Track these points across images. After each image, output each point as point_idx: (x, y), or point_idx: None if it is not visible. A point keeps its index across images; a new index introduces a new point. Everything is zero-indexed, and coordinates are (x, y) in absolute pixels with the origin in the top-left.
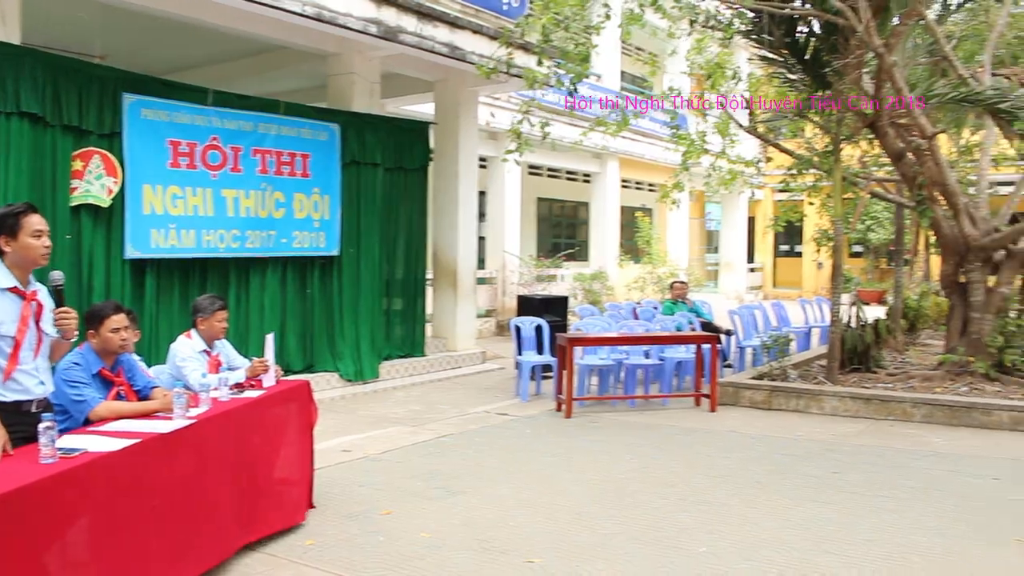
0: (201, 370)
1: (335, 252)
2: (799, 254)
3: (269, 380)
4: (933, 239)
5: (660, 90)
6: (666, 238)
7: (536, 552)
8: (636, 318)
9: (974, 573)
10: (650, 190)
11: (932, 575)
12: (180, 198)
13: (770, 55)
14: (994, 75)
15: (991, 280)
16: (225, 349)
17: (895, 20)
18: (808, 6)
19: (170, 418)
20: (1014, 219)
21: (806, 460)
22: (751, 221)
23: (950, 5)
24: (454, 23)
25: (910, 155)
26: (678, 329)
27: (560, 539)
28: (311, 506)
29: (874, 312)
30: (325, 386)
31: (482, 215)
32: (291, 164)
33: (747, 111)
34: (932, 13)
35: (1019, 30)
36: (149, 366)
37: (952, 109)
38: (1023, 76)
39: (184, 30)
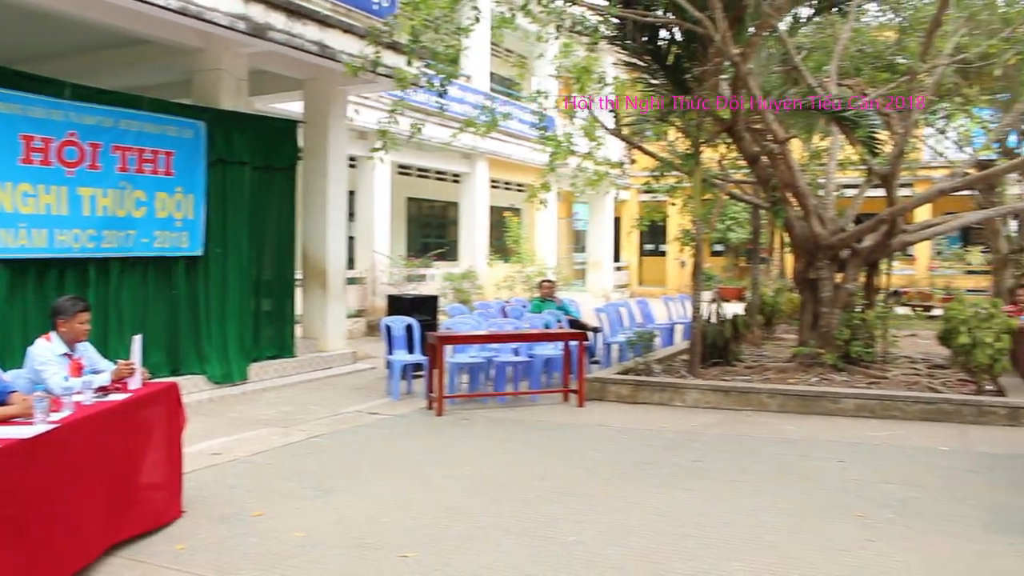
0: (62, 374)
1: (199, 252)
2: (663, 253)
3: (135, 383)
4: (787, 238)
5: (529, 92)
6: (535, 238)
7: (410, 547)
8: (505, 316)
9: (819, 546)
10: (519, 190)
11: (783, 551)
12: (32, 196)
13: (634, 60)
14: (839, 85)
15: (839, 277)
16: (88, 352)
17: (750, 31)
18: (669, 15)
19: (31, 423)
20: (858, 220)
21: (670, 450)
22: (617, 221)
23: (800, 19)
24: (324, 21)
25: (764, 159)
26: (546, 327)
27: (433, 533)
28: (181, 510)
29: (734, 308)
30: (192, 389)
31: (352, 215)
32: (153, 162)
33: (612, 114)
34: (784, 25)
35: (861, 44)
36: (4, 370)
37: (803, 116)
38: (864, 87)
39: (39, 18)
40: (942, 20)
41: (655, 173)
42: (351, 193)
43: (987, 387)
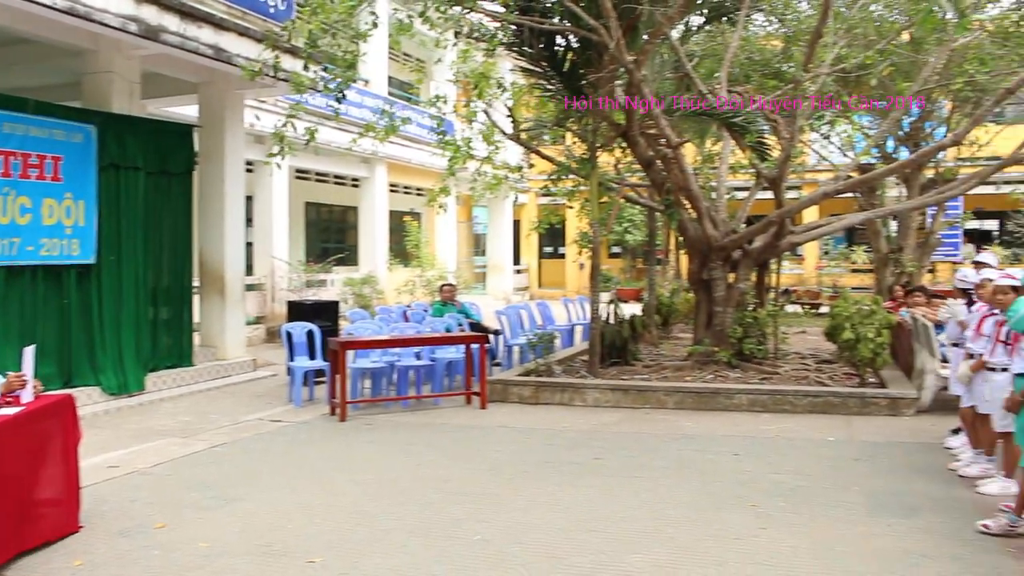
0: None
1: (92, 260)
2: (562, 255)
3: (27, 396)
4: (681, 240)
5: (427, 97)
6: (435, 242)
7: (316, 552)
8: (407, 320)
9: (715, 536)
10: (418, 194)
11: (682, 542)
12: None
13: (531, 67)
14: (729, 92)
15: (731, 277)
16: None
17: (644, 38)
18: (565, 23)
19: None
20: (749, 221)
21: (571, 449)
22: (516, 224)
23: (692, 27)
24: (219, 24)
25: (659, 163)
26: (448, 330)
27: (339, 538)
28: (79, 525)
29: (632, 309)
30: (87, 401)
31: (249, 220)
32: (40, 167)
33: (510, 119)
34: (676, 33)
35: (749, 52)
36: None
37: (695, 121)
38: (753, 94)
39: None
40: (823, 32)
41: (553, 177)
42: (249, 198)
43: (870, 380)
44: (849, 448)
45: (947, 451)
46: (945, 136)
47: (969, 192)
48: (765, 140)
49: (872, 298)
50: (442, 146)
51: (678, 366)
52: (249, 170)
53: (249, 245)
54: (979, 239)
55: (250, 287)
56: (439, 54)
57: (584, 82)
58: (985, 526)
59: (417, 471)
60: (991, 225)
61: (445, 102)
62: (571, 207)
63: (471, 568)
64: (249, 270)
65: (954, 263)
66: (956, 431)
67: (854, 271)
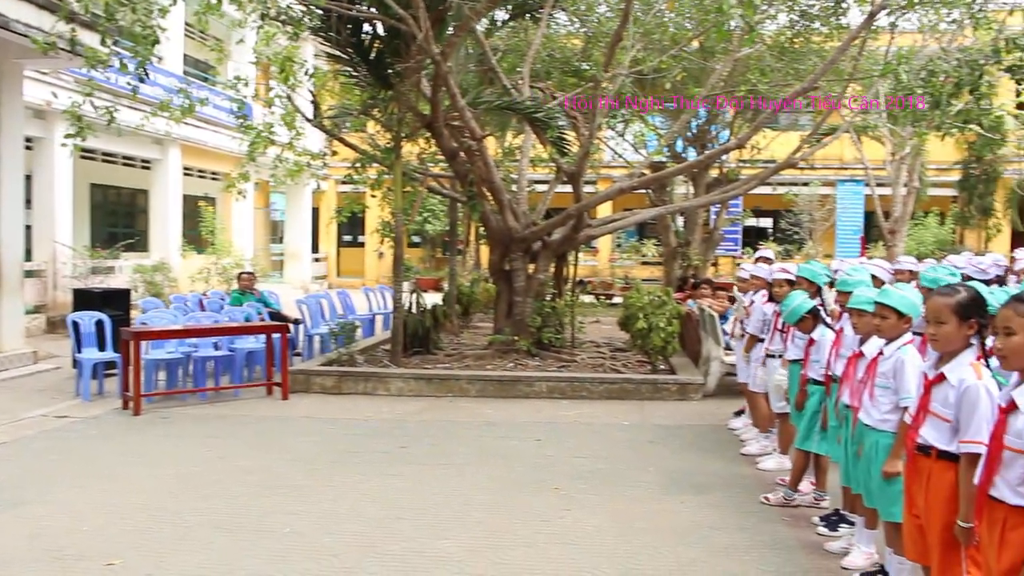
0: None
1: None
2: (362, 244)
3: None
4: (482, 231)
5: (226, 78)
6: (231, 228)
7: (116, 553)
8: (203, 310)
9: (523, 519)
10: (214, 178)
11: (491, 525)
12: None
13: (337, 53)
14: (532, 87)
15: (531, 268)
16: None
17: (450, 31)
18: (373, 10)
19: None
20: (548, 214)
21: (376, 438)
22: (315, 211)
23: (496, 22)
24: None
25: (463, 154)
26: (247, 320)
27: (140, 537)
28: None
29: (432, 299)
30: None
31: (28, 201)
32: None
33: (313, 105)
34: (481, 27)
35: (551, 49)
36: None
37: (497, 114)
38: (554, 90)
39: None
40: (623, 35)
41: (356, 165)
42: (27, 178)
43: (661, 367)
44: (643, 431)
45: (731, 432)
46: (729, 139)
47: (749, 192)
48: (565, 136)
49: (663, 289)
50: (242, 130)
51: (479, 355)
52: (28, 147)
53: (28, 228)
54: (756, 236)
55: (29, 274)
56: (241, 34)
57: (391, 71)
58: (766, 498)
59: (219, 464)
60: (766, 223)
61: (247, 84)
62: (374, 196)
63: (283, 561)
64: (28, 255)
65: (734, 258)
66: (739, 413)
67: (644, 263)
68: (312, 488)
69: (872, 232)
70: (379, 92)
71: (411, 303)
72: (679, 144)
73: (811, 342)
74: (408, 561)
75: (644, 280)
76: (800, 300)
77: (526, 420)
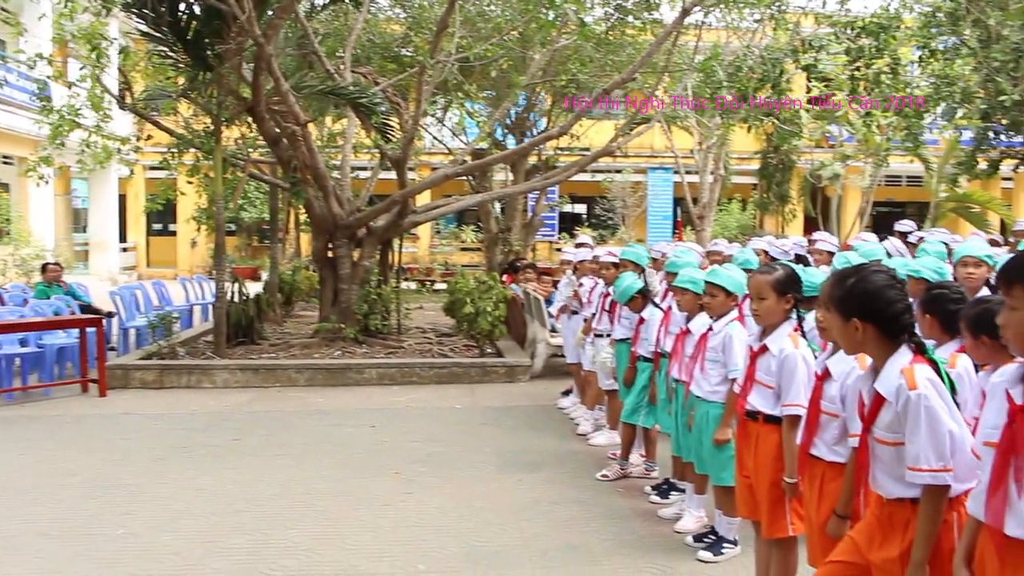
0: None
1: None
2: (173, 233)
3: None
4: (303, 218)
5: (19, 53)
6: (28, 216)
7: None
8: (3, 304)
9: (366, 504)
10: (6, 163)
11: (335, 512)
12: None
13: (151, 32)
14: (353, 72)
15: (356, 254)
16: None
17: (271, 13)
18: None
19: None
20: (372, 201)
21: (206, 432)
22: (122, 199)
23: (316, 4)
24: None
25: (285, 140)
26: (56, 313)
27: None
28: None
29: (250, 288)
30: None
31: None
32: None
33: (123, 86)
34: (301, 9)
35: (371, 34)
36: None
37: (317, 100)
38: (376, 75)
39: None
40: (448, 22)
41: (172, 150)
42: None
43: (488, 350)
44: (475, 414)
45: (560, 411)
46: (547, 127)
47: (569, 179)
48: (389, 122)
49: (489, 274)
50: (44, 112)
51: (305, 343)
52: None
53: None
54: (571, 222)
55: None
56: (40, 8)
57: (210, 53)
58: (604, 475)
59: (39, 467)
60: (581, 209)
61: (50, 63)
62: (190, 182)
63: (119, 563)
64: None
65: (552, 243)
66: (566, 393)
67: (464, 250)
68: (143, 487)
69: (682, 218)
70: (198, 74)
71: (234, 292)
72: (498, 132)
73: (640, 321)
74: (255, 553)
75: (464, 266)
76: (630, 280)
77: (358, 407)
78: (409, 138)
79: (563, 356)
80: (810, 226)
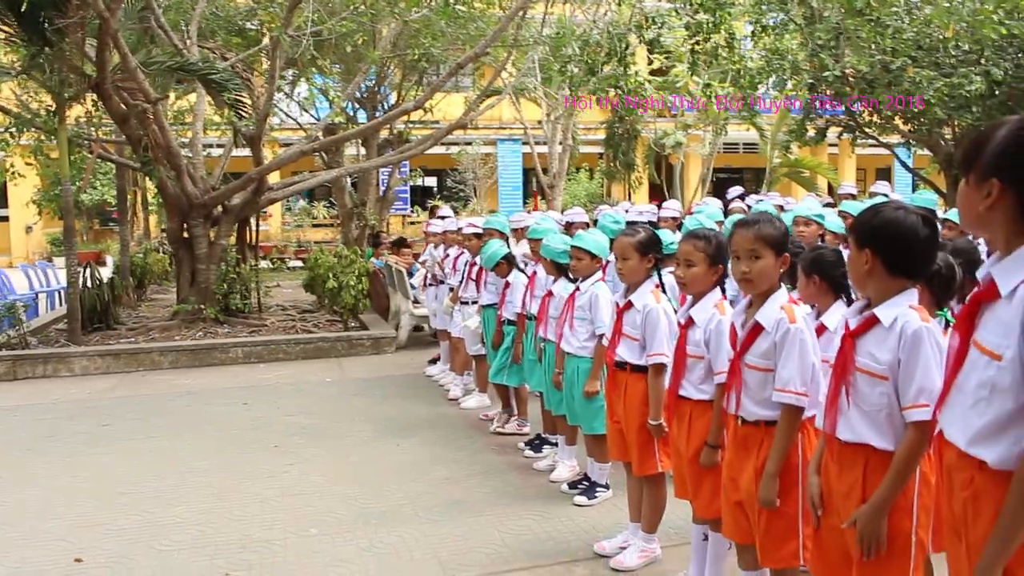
0: None
1: None
2: (5, 218)
3: None
4: (154, 198)
5: None
6: None
7: None
8: None
9: (251, 478)
10: None
11: (220, 487)
12: None
13: None
14: (200, 47)
15: (213, 234)
16: None
17: None
18: None
19: None
20: (227, 179)
21: (73, 420)
22: None
23: None
24: None
25: (134, 118)
26: None
27: None
28: None
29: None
30: None
31: None
32: None
33: None
34: None
35: (216, 8)
36: None
37: (163, 76)
38: (224, 51)
39: None
40: None
41: (8, 129)
42: None
43: (352, 324)
44: (346, 386)
45: (429, 378)
46: (398, 101)
47: (424, 152)
48: (242, 98)
49: (352, 249)
50: None
51: (165, 326)
52: None
53: None
54: (422, 195)
55: None
56: None
57: (50, 27)
58: (499, 429)
59: None
60: (431, 182)
61: None
62: (30, 164)
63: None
64: None
65: (405, 216)
66: (433, 361)
67: (316, 226)
68: (12, 479)
69: (536, 188)
70: (38, 50)
71: (85, 277)
72: (349, 106)
73: (506, 285)
74: (144, 532)
75: (317, 243)
76: (496, 247)
77: (227, 386)
78: (264, 114)
79: (425, 328)
80: (655, 193)
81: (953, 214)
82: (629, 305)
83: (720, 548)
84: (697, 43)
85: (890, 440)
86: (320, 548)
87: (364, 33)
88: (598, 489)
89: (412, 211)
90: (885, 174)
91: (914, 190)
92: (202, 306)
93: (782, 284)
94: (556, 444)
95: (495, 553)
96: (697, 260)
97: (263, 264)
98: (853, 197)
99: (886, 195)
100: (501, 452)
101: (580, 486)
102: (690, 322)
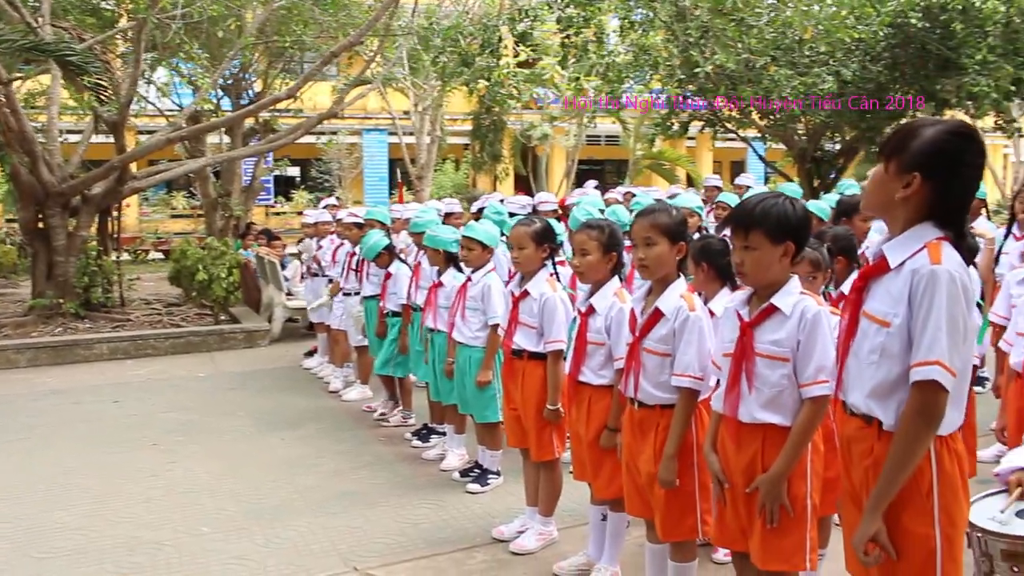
0: None
1: None
2: None
3: None
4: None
5: None
6: None
7: None
8: None
9: (132, 477)
10: None
11: (100, 489)
12: None
13: None
14: (54, 26)
15: (72, 224)
16: None
17: None
18: None
19: None
20: (87, 167)
21: None
22: None
23: None
24: None
25: None
26: None
27: None
28: None
29: None
30: None
31: None
32: None
33: None
34: None
35: None
36: None
37: (12, 56)
38: (80, 31)
39: None
40: None
41: None
42: None
43: (223, 318)
44: (221, 380)
45: (307, 371)
46: (265, 90)
47: (294, 142)
48: (102, 82)
49: (221, 240)
50: None
51: (19, 322)
52: None
53: None
54: (286, 185)
55: None
56: None
57: None
58: (383, 418)
59: None
60: (294, 172)
61: None
62: None
63: None
64: None
65: (268, 207)
66: (309, 353)
67: (175, 217)
68: None
69: (399, 179)
70: None
71: None
72: (212, 94)
73: (388, 276)
74: (23, 539)
75: (177, 234)
76: (377, 237)
77: (95, 384)
78: (128, 99)
79: (299, 320)
80: (521, 184)
81: (813, 205)
82: (525, 294)
83: (619, 526)
84: (568, 37)
85: (787, 417)
86: (214, 547)
87: (235, 19)
88: (490, 476)
89: (276, 202)
90: (740, 166)
91: (766, 181)
92: (61, 300)
93: (681, 274)
94: (444, 434)
95: (394, 543)
96: (591, 249)
97: (123, 256)
98: (719, 189)
99: (750, 187)
100: (389, 443)
101: (472, 474)
102: (591, 310)
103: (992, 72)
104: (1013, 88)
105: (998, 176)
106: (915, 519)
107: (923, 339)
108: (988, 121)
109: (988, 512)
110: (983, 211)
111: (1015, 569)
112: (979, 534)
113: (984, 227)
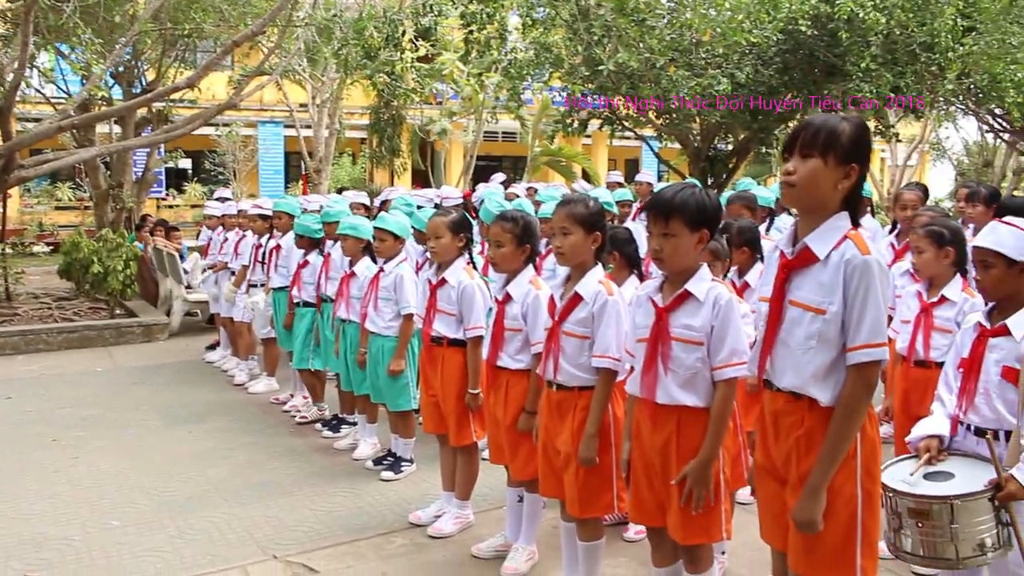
0: None
1: None
2: None
3: None
4: None
5: None
6: None
7: None
8: None
9: (35, 474)
10: None
11: (2, 489)
12: None
13: None
14: None
15: None
16: None
17: None
18: None
19: None
20: None
21: None
22: None
23: None
24: None
25: None
26: None
27: None
28: None
29: None
30: None
31: None
32: None
33: None
34: None
35: None
36: None
37: None
38: None
39: None
40: None
41: None
42: None
43: (119, 311)
44: (121, 375)
45: (210, 364)
46: (159, 79)
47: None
48: None
49: (119, 232)
50: None
51: None
52: None
53: None
54: (177, 177)
55: None
56: None
57: None
58: (303, 417)
59: None
60: (186, 164)
61: None
62: None
63: None
64: None
65: (160, 199)
66: (212, 347)
67: (59, 208)
68: None
69: (296, 172)
70: None
71: None
72: (104, 82)
73: (304, 264)
74: None
75: (63, 226)
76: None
77: None
78: (15, 85)
79: (196, 314)
80: (418, 178)
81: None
82: (443, 282)
83: (535, 507)
84: (471, 32)
85: (700, 398)
86: (126, 540)
87: (131, 4)
88: (403, 463)
89: (168, 194)
90: (634, 164)
91: (659, 179)
92: None
93: (599, 262)
94: (354, 424)
95: (312, 530)
96: (505, 241)
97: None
98: (620, 185)
99: (650, 182)
100: (299, 434)
101: (385, 462)
102: (508, 298)
103: (874, 79)
104: (892, 95)
105: (876, 178)
106: (842, 479)
107: (863, 324)
108: (869, 125)
109: (899, 475)
110: (868, 209)
111: (920, 524)
112: (890, 494)
113: (871, 224)
